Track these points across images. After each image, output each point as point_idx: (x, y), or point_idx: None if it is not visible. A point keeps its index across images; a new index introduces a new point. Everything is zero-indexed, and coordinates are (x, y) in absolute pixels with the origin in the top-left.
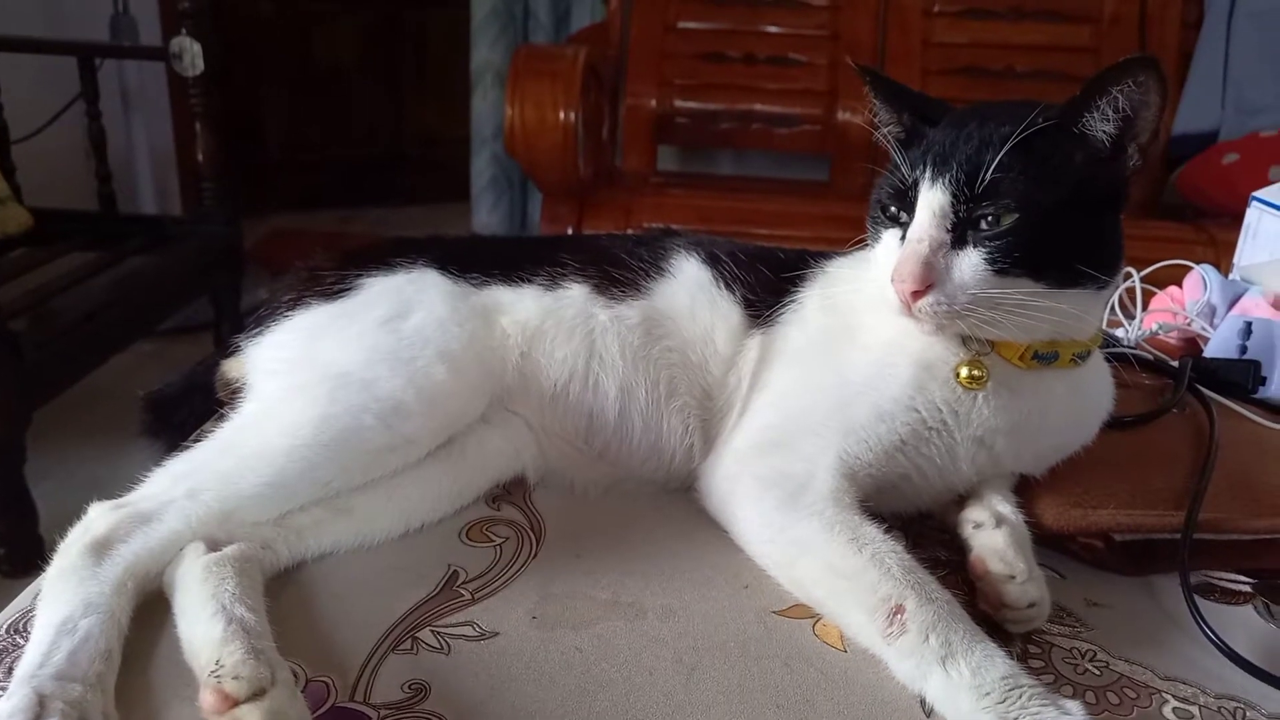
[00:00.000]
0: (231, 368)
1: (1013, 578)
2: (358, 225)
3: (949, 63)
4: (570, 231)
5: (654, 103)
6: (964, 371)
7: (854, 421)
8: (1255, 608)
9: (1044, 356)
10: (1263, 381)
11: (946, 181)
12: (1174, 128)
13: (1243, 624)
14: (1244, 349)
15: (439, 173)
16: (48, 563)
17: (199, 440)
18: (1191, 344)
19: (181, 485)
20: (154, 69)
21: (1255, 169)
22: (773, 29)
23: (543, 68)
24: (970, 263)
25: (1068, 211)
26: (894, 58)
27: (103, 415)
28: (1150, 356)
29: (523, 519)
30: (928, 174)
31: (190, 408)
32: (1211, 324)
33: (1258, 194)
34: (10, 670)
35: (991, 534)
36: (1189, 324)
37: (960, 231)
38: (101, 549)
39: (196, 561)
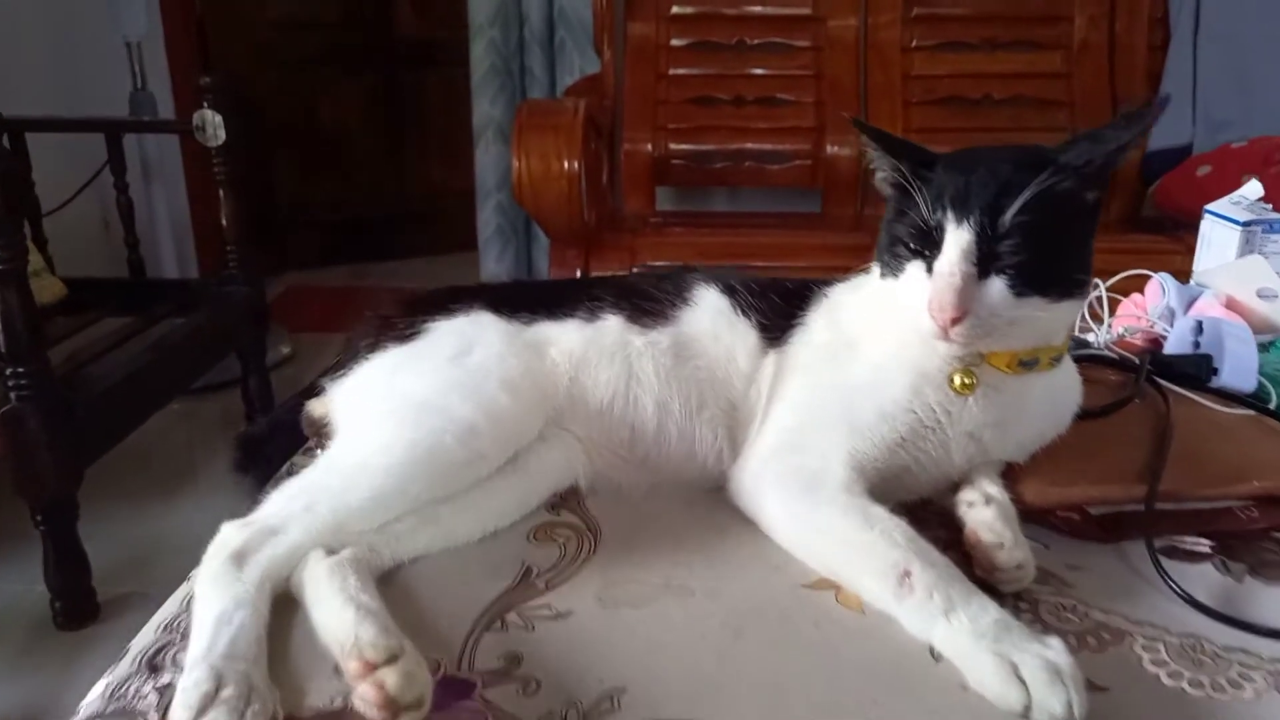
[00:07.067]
0: (316, 407)
1: (1001, 545)
2: (369, 279)
3: (929, 94)
4: (578, 273)
5: (650, 147)
6: (957, 380)
7: (860, 423)
8: (1214, 564)
9: (1027, 362)
10: (1215, 372)
11: (971, 223)
12: (1149, 145)
13: (1202, 578)
14: (1197, 345)
15: (443, 225)
16: (100, 615)
17: (290, 470)
18: (1155, 344)
19: (299, 502)
20: (170, 141)
21: (1227, 179)
22: (759, 71)
23: (545, 122)
24: (996, 290)
25: (1066, 236)
26: (876, 92)
27: (140, 472)
28: (1115, 356)
29: (580, 521)
30: (950, 216)
31: (275, 445)
32: (1171, 326)
33: (1209, 206)
34: (173, 659)
35: (982, 510)
36: (1151, 326)
37: (984, 264)
38: (240, 558)
39: (320, 564)
